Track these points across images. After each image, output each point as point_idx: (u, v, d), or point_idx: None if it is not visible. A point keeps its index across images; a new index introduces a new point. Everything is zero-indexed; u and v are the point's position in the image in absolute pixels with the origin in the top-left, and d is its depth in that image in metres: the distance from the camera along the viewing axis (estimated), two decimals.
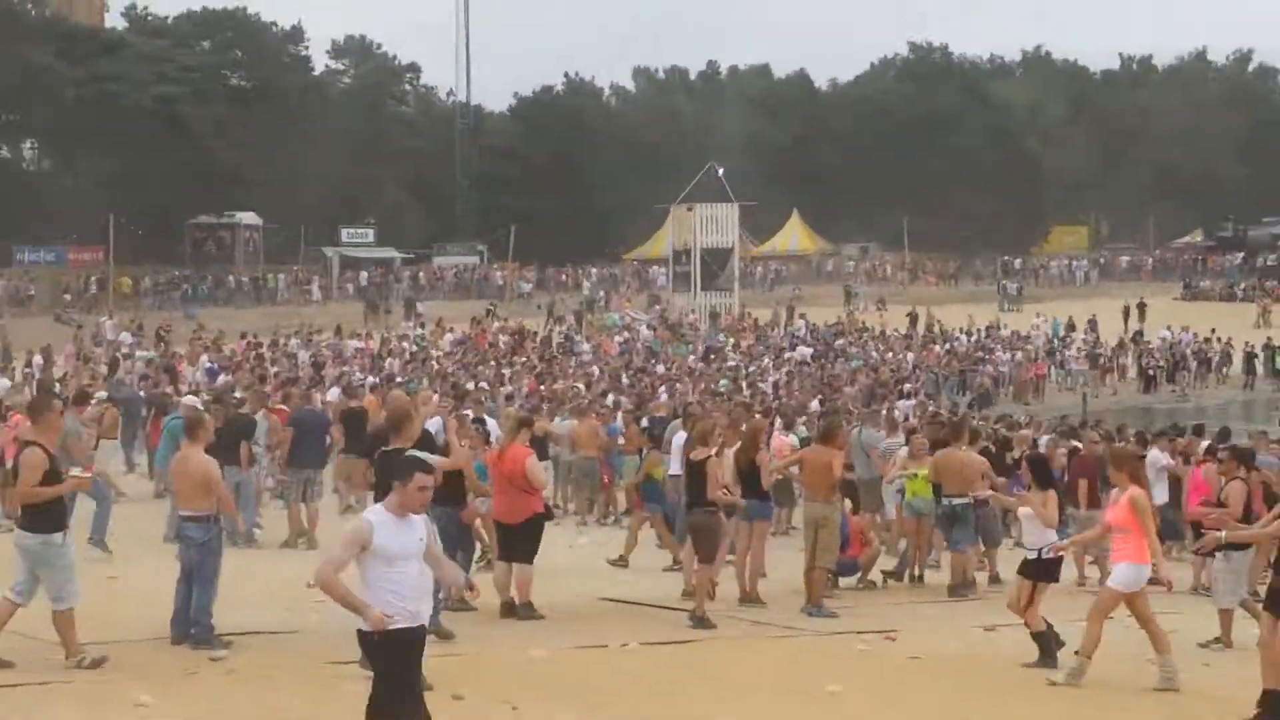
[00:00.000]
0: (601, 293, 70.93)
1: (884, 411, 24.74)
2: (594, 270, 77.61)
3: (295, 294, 67.54)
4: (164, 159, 68.56)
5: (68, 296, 60.22)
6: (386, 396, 26.15)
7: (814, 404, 31.59)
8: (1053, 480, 12.84)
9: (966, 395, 43.77)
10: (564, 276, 76.65)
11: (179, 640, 11.93)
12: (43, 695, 10.17)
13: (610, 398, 29.60)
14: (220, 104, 73.97)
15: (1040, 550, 12.31)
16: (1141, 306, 63.71)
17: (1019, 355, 49.69)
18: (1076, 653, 11.59)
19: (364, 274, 71.25)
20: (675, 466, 19.50)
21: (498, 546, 14.24)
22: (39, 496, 10.95)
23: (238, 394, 22.31)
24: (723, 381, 36.54)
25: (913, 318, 59.67)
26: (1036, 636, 12.23)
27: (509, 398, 28.68)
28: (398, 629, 7.61)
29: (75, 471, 11.59)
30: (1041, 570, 12.35)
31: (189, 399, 22.34)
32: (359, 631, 7.70)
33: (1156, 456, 19.99)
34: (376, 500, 12.10)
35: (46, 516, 10.99)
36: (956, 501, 16.63)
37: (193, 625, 11.92)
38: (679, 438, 19.36)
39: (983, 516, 17.25)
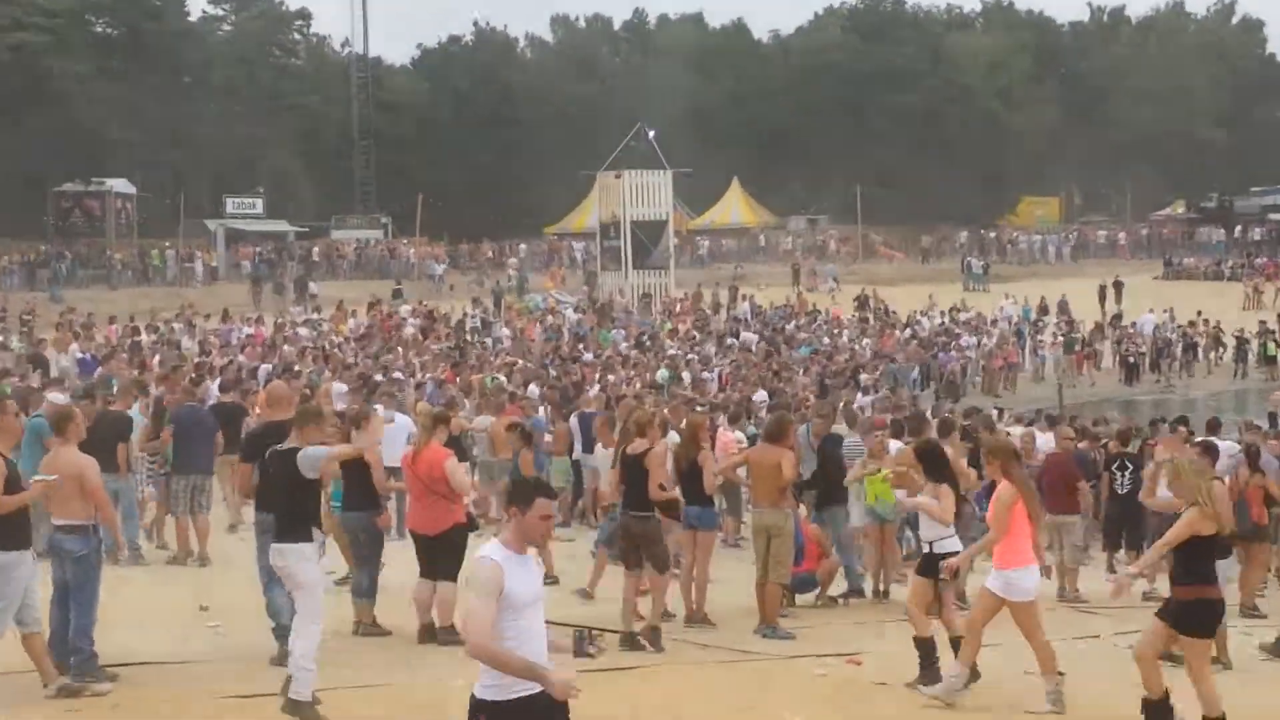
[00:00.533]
0: (529, 273, 70.80)
1: (840, 405, 24.88)
2: (523, 246, 77.44)
3: (174, 273, 66.70)
4: (21, 118, 67.58)
5: None
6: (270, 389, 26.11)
7: (760, 395, 31.74)
8: (947, 473, 12.99)
9: (930, 386, 44.09)
10: (490, 253, 76.24)
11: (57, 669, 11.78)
12: None
13: (533, 389, 29.58)
14: (84, 55, 72.98)
15: (932, 544, 12.52)
16: (1118, 286, 64.39)
17: (987, 341, 50.06)
18: (1062, 671, 11.71)
19: (256, 250, 70.53)
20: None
21: (419, 560, 14.20)
22: (4, 507, 11.05)
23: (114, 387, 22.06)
24: (661, 371, 36.60)
25: (861, 300, 59.98)
26: (919, 642, 12.40)
27: (418, 387, 28.48)
28: (529, 695, 6.92)
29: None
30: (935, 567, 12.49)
31: (54, 394, 22.06)
32: (479, 700, 6.99)
33: (1230, 446, 19.39)
34: (258, 509, 12.04)
35: (11, 529, 11.11)
36: None
37: (72, 653, 11.75)
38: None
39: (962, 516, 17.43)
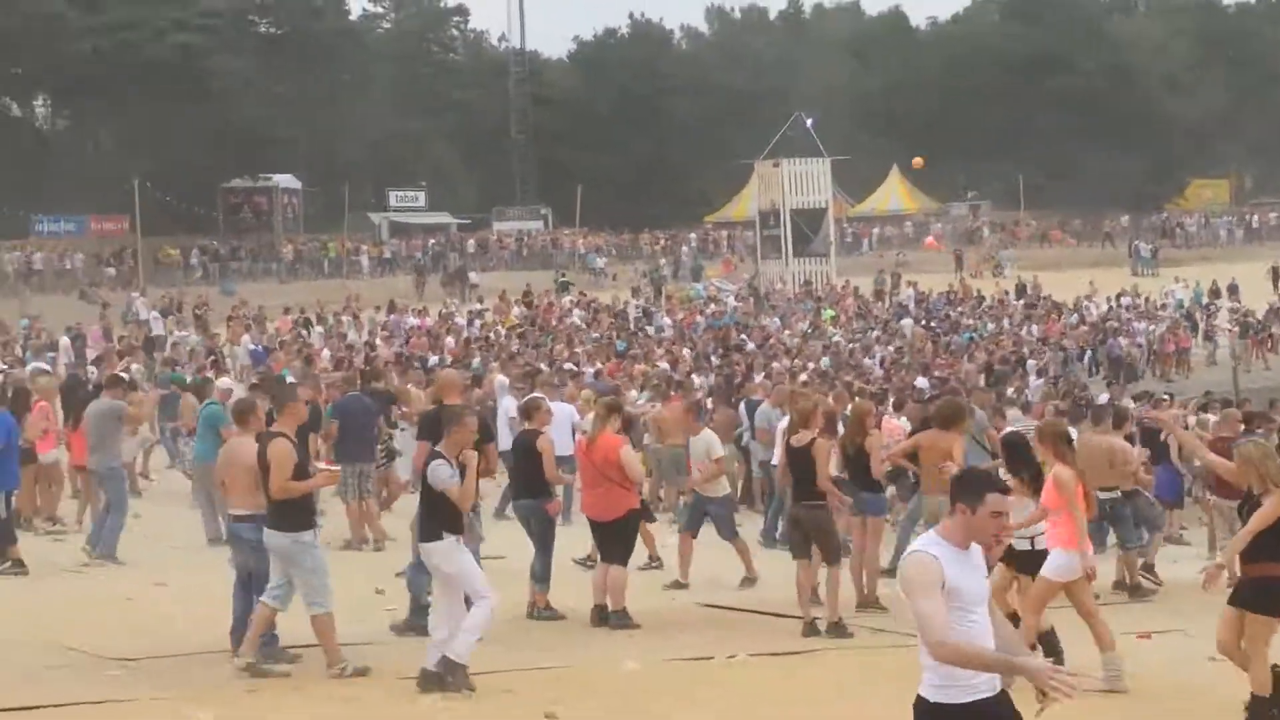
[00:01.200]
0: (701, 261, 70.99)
1: (1008, 391, 24.59)
2: (693, 235, 77.52)
3: (338, 266, 67.76)
4: (189, 116, 69.06)
5: (111, 270, 60.69)
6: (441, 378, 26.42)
7: (921, 382, 31.52)
8: (1031, 463, 12.71)
9: (1099, 371, 43.39)
10: (662, 241, 76.39)
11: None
12: (96, 715, 10.31)
13: (696, 379, 29.64)
14: (248, 54, 74.41)
15: (1033, 539, 12.09)
16: None
17: (1156, 326, 49.09)
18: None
19: (430, 242, 71.36)
20: (778, 454, 19.55)
21: (595, 545, 14.34)
22: (295, 491, 11.43)
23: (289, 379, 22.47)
24: (825, 360, 36.46)
25: (1020, 287, 58.86)
26: (1043, 638, 12.04)
27: (573, 377, 28.46)
28: (979, 699, 6.41)
29: (320, 465, 12.26)
30: (1032, 562, 12.12)
31: (224, 381, 22.51)
32: (933, 704, 6.49)
33: None
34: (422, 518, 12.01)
35: (297, 512, 11.47)
36: (1104, 497, 16.40)
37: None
38: (783, 422, 19.41)
39: (1138, 508, 17.15)
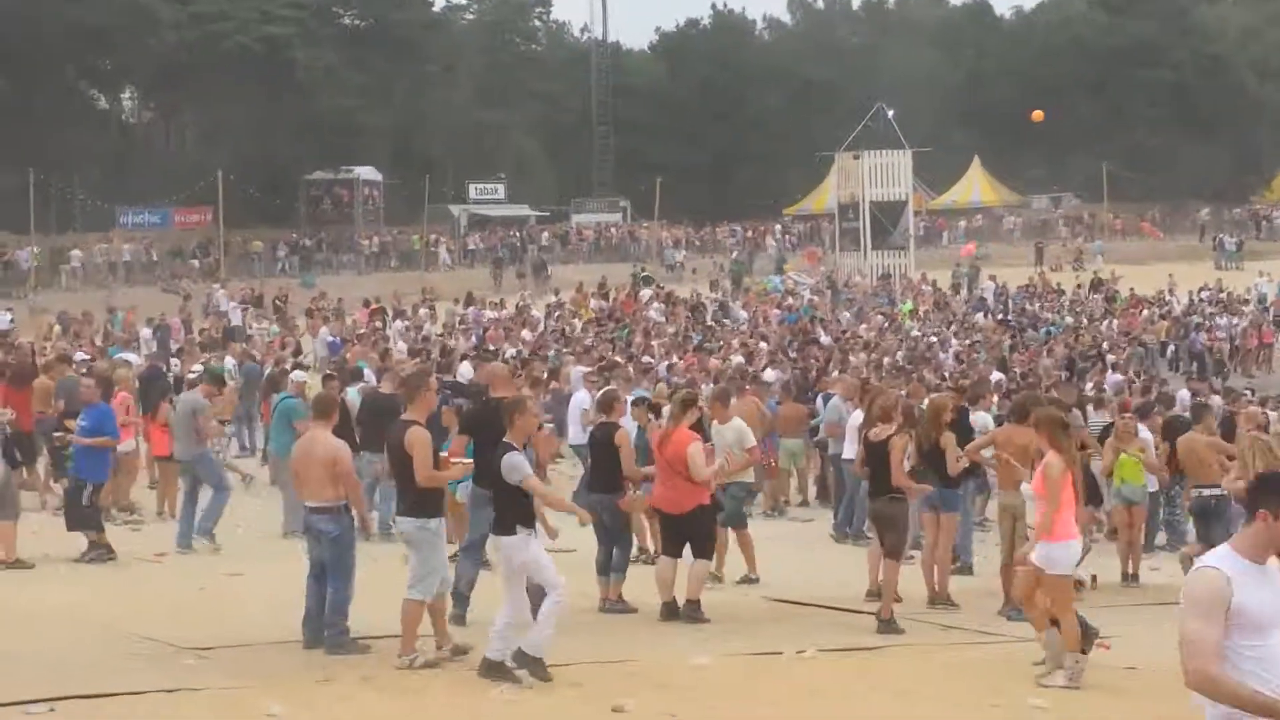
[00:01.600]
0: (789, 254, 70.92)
1: (1087, 387, 24.40)
2: (778, 226, 77.34)
3: (418, 258, 68.09)
4: (273, 109, 69.61)
5: (195, 263, 61.36)
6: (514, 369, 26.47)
7: (996, 376, 31.33)
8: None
9: (1180, 367, 42.93)
10: (750, 232, 76.22)
11: (312, 644, 12.16)
12: (171, 703, 10.43)
13: (769, 372, 29.58)
14: (331, 46, 74.90)
15: None
16: None
17: (1239, 321, 48.47)
18: (1085, 650, 11.54)
19: (507, 234, 71.60)
20: (849, 449, 19.54)
21: (661, 539, 14.34)
22: (440, 480, 11.77)
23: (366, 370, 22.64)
24: (899, 354, 36.29)
25: (1095, 282, 58.00)
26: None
27: (645, 371, 28.35)
28: None
29: (443, 453, 12.29)
30: None
31: (297, 374, 22.70)
32: None
33: None
34: (474, 482, 11.96)
35: (430, 500, 11.72)
36: (1209, 493, 16.34)
37: (327, 627, 12.15)
38: (855, 417, 19.38)
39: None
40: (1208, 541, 16.23)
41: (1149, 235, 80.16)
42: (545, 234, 73.56)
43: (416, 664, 11.55)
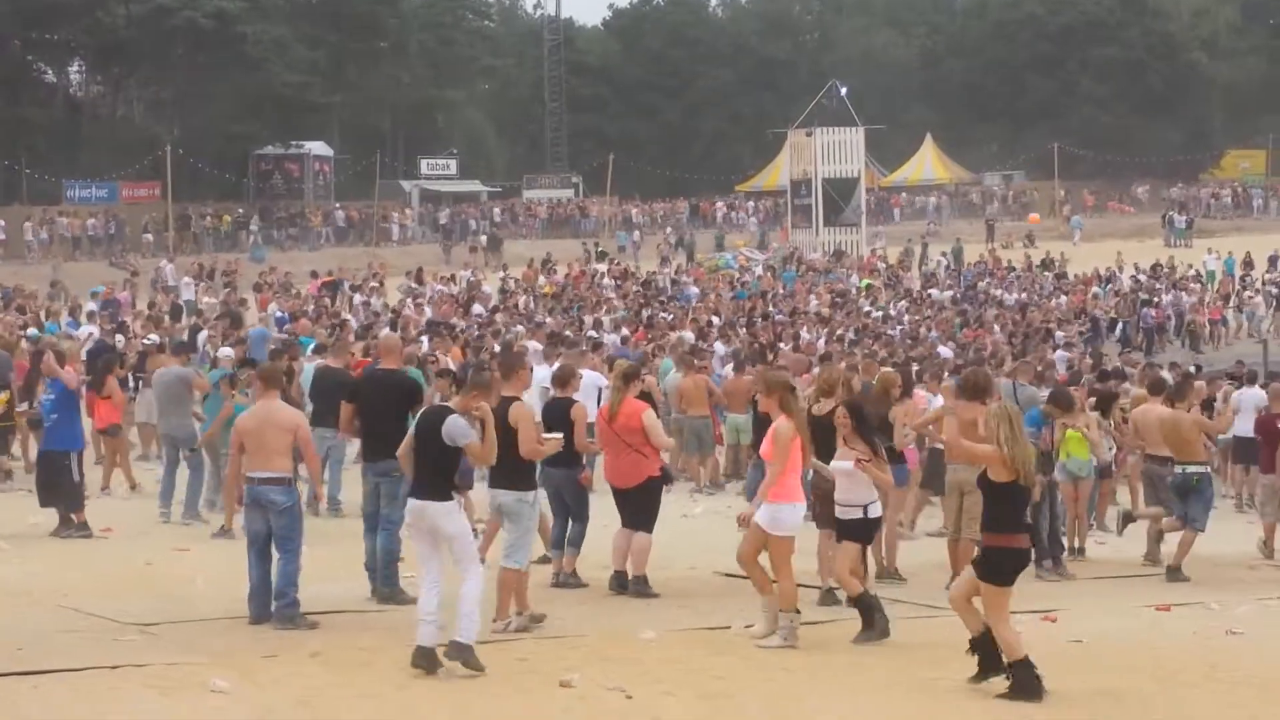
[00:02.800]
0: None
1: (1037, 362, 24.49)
2: (751, 203, 77.32)
3: (369, 232, 67.89)
4: (222, 83, 69.14)
5: (149, 237, 60.89)
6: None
7: (945, 351, 31.44)
8: (872, 431, 12.71)
9: (1136, 341, 43.25)
10: (725, 207, 76.12)
11: (258, 619, 12.12)
12: (114, 679, 10.37)
13: (718, 346, 29.62)
14: (282, 21, 74.42)
15: (865, 508, 12.32)
16: None
17: (1189, 296, 48.76)
18: (799, 609, 11.84)
19: (455, 210, 71.48)
20: None
21: (619, 512, 14.32)
22: (540, 454, 12.23)
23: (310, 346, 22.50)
24: (850, 330, 36.35)
25: (1046, 261, 57.96)
26: (857, 600, 12.21)
27: (596, 347, 28.09)
28: None
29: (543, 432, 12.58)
30: (865, 531, 12.36)
31: (224, 351, 22.22)
32: None
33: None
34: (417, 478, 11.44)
35: (527, 474, 12.15)
36: (1191, 470, 16.41)
37: (277, 598, 12.10)
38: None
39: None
40: (1187, 518, 16.35)
41: (1120, 212, 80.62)
42: (497, 210, 73.45)
43: (511, 629, 11.95)
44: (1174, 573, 16.01)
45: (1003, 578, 10.66)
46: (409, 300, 41.03)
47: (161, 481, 18.39)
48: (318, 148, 74.60)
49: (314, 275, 47.20)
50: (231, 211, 66.39)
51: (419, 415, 11.65)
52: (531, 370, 15.31)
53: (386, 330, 19.16)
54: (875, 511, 12.45)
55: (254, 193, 71.69)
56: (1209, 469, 16.44)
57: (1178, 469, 16.60)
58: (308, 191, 72.78)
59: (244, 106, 69.55)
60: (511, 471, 12.01)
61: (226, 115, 69.20)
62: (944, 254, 58.69)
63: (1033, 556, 16.35)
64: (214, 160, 67.93)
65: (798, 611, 11.86)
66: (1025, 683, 10.49)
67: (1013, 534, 10.66)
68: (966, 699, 10.60)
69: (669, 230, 70.68)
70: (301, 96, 72.53)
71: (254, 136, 72.13)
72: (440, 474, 11.02)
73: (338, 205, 70.42)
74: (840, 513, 12.60)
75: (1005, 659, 10.60)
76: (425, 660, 10.68)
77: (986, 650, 10.72)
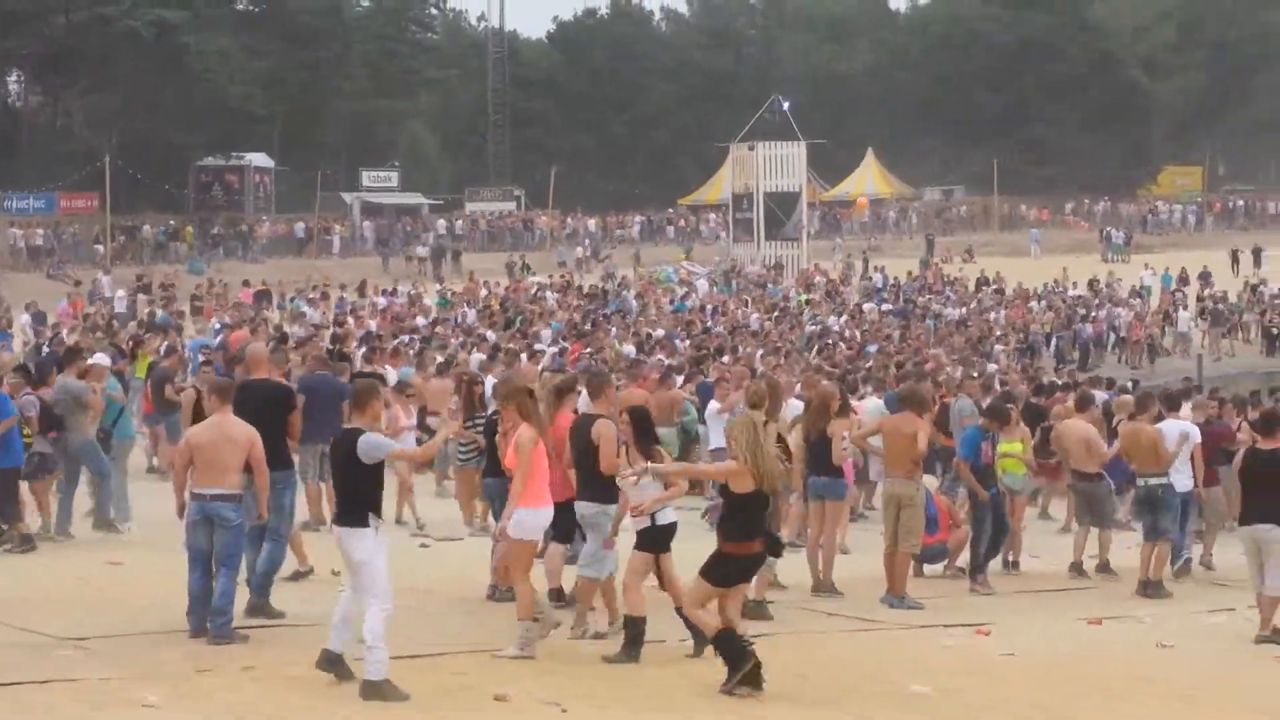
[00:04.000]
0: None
1: (976, 376, 24.69)
2: (713, 215, 77.38)
3: (311, 245, 67.57)
4: (163, 94, 68.74)
5: (100, 248, 60.40)
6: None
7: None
8: (657, 439, 12.84)
9: (1064, 359, 43.56)
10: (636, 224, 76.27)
11: (197, 634, 12.02)
12: (44, 694, 10.29)
13: (663, 358, 29.66)
14: (224, 31, 74.07)
15: (654, 516, 12.16)
16: (1257, 253, 63.22)
17: (1124, 312, 49.21)
18: (536, 618, 11.80)
19: (388, 223, 71.29)
20: (717, 439, 19.74)
21: (552, 526, 14.27)
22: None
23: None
24: (790, 343, 36.51)
25: (981, 280, 58.04)
26: (633, 623, 11.97)
27: (531, 356, 28.04)
28: None
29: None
30: (655, 540, 12.18)
31: (99, 356, 21.50)
32: None
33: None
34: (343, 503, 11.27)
35: (611, 489, 12.42)
36: (1154, 482, 16.49)
37: (217, 615, 11.99)
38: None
39: (1098, 498, 17.29)
40: (1156, 531, 16.43)
41: (1073, 227, 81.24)
42: (441, 222, 73.32)
43: (588, 635, 12.34)
44: (1155, 586, 16.03)
45: (726, 581, 10.99)
46: (350, 314, 40.94)
47: (61, 495, 17.65)
48: (259, 159, 74.28)
49: (246, 284, 46.97)
50: (174, 222, 65.94)
51: (331, 444, 11.47)
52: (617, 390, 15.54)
53: (256, 343, 18.80)
54: (664, 519, 12.14)
55: (194, 204, 71.32)
56: (1170, 480, 16.50)
57: (1140, 482, 16.69)
58: (248, 203, 72.44)
59: (185, 117, 69.21)
60: (594, 485, 12.43)
61: (167, 126, 68.85)
62: (880, 269, 58.98)
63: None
64: (154, 171, 67.48)
65: (535, 620, 11.83)
66: (735, 653, 10.88)
67: (749, 542, 11.00)
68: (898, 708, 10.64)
69: (612, 248, 70.62)
70: (243, 107, 72.21)
71: (194, 147, 71.77)
72: (354, 498, 10.88)
73: (265, 219, 70.02)
74: (632, 524, 12.49)
75: (707, 635, 11.08)
76: (328, 664, 10.75)
77: (729, 649, 10.96)
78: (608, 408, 12.91)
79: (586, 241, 70.95)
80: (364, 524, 10.81)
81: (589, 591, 12.56)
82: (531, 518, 11.92)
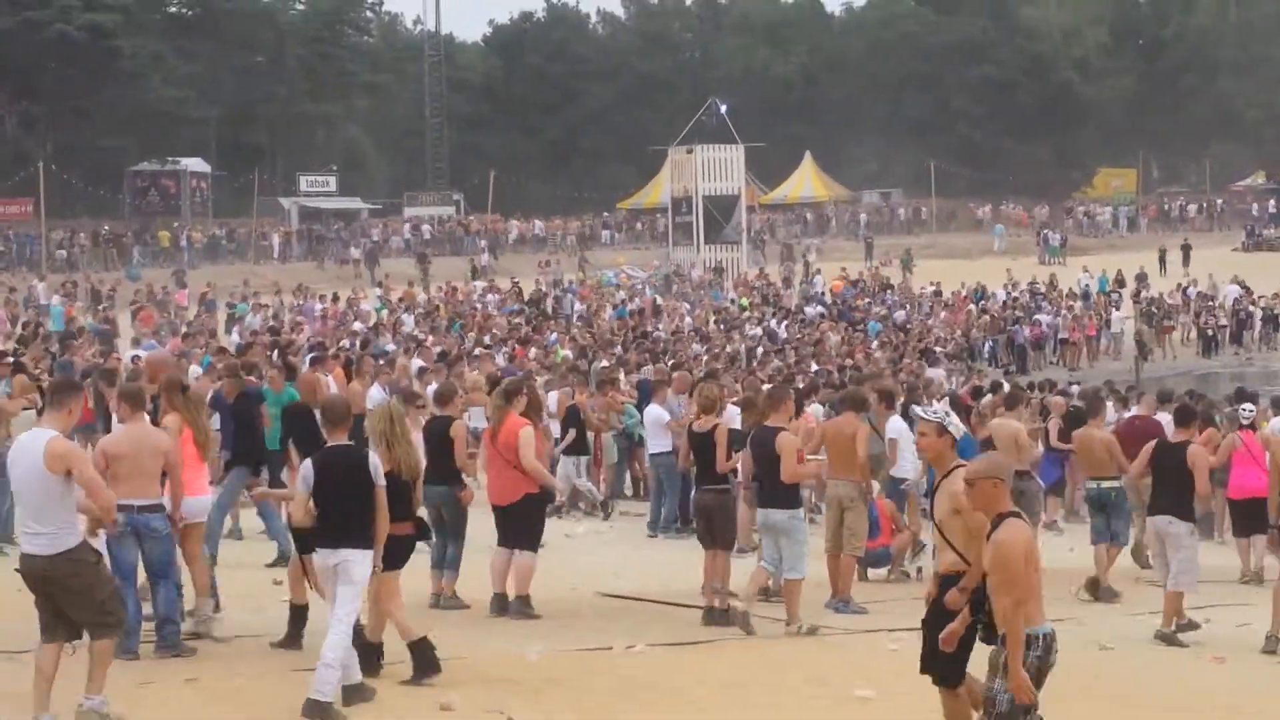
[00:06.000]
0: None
1: (919, 380, 24.78)
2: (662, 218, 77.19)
3: (247, 250, 67.13)
4: (96, 97, 68.19)
5: (62, 254, 59.83)
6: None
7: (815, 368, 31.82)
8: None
9: (1010, 360, 43.88)
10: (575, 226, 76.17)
11: (130, 654, 11.73)
12: None
13: (604, 363, 29.68)
14: (157, 35, 73.55)
15: None
16: (1186, 250, 63.95)
17: (1064, 314, 49.53)
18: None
19: (324, 228, 70.96)
20: (657, 443, 19.85)
21: (497, 530, 14.23)
22: (802, 477, 13.81)
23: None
24: (729, 348, 36.60)
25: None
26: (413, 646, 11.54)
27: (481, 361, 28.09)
28: None
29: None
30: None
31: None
32: None
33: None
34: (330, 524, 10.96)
35: (795, 495, 13.69)
36: (1106, 485, 16.51)
37: (165, 624, 11.84)
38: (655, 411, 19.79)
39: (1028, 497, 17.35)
40: (1109, 533, 16.49)
41: (1024, 225, 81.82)
42: (377, 228, 73.01)
43: (802, 631, 13.24)
44: (1106, 590, 16.04)
45: (394, 562, 11.01)
46: (290, 319, 40.77)
47: None
48: (195, 164, 73.79)
49: (182, 285, 46.58)
50: (110, 227, 65.34)
51: (319, 456, 10.85)
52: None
53: (152, 352, 18.58)
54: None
55: (130, 210, 70.72)
56: (1122, 483, 16.59)
57: (1091, 484, 16.75)
58: (185, 208, 71.88)
59: (119, 121, 68.75)
60: (779, 492, 13.45)
61: (101, 130, 68.29)
62: (818, 272, 59.20)
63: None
64: (88, 176, 66.90)
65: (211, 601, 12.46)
66: (426, 660, 11.08)
67: (401, 523, 11.01)
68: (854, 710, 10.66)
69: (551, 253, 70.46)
70: (178, 111, 71.77)
71: (129, 152, 71.19)
72: (363, 519, 10.56)
73: (193, 224, 69.55)
74: None
75: (403, 639, 11.15)
76: (356, 697, 10.47)
77: (421, 653, 11.11)
78: (785, 420, 13.91)
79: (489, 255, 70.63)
80: (370, 546, 10.62)
81: (798, 592, 13.50)
82: (193, 503, 12.21)
